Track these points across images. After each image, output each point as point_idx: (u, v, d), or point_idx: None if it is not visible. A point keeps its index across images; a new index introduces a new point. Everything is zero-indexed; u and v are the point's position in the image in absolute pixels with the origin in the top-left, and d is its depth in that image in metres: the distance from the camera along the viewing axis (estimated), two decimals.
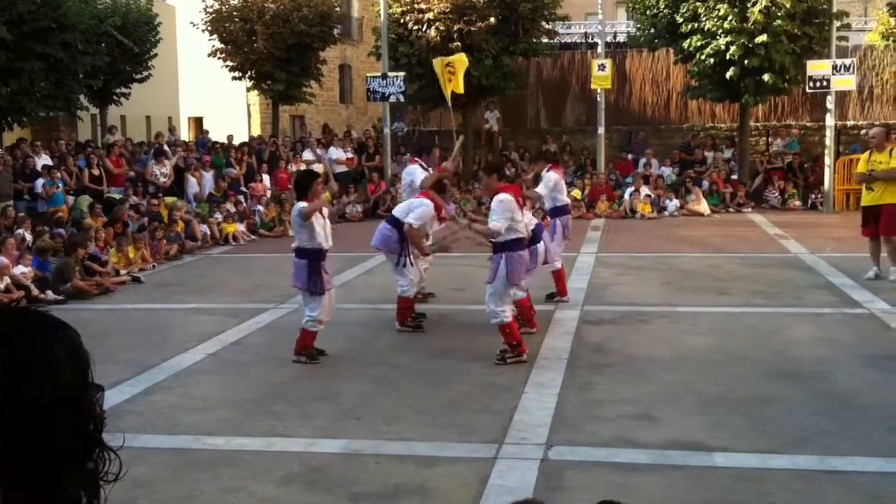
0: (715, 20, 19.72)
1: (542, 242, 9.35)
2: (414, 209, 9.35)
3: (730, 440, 6.02)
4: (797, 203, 20.72)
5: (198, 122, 31.89)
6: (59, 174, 16.28)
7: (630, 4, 22.96)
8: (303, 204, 8.11)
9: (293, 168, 20.93)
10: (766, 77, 19.62)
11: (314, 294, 8.18)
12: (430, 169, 10.97)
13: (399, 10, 21.74)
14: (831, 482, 5.36)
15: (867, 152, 12.00)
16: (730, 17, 19.40)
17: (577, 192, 20.24)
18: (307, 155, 21.67)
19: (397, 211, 9.69)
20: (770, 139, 23.59)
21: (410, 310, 9.57)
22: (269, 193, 19.63)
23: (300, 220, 8.11)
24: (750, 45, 19.39)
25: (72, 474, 1.18)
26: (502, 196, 7.99)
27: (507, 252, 7.92)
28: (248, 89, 26.70)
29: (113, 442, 1.24)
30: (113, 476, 1.22)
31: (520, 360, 7.97)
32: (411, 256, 9.44)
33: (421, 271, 9.87)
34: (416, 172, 10.86)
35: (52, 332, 1.20)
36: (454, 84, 13.24)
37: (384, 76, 20.91)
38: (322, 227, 8.15)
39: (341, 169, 21.81)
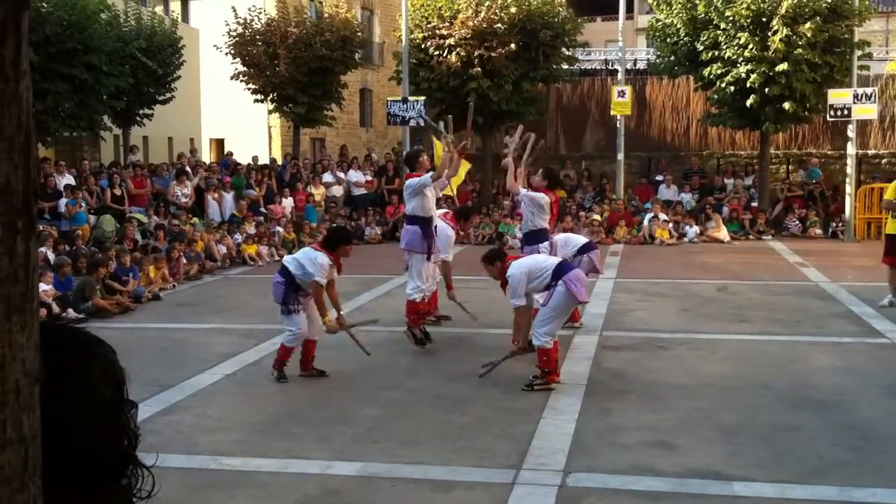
0: (735, 48, 19.72)
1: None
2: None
3: (749, 469, 5.97)
4: (818, 231, 20.61)
5: (219, 143, 32.13)
6: (81, 193, 16.44)
7: (650, 32, 23.02)
8: (324, 263, 8.20)
9: (312, 190, 21.07)
10: (786, 105, 19.58)
11: (290, 312, 8.30)
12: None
13: (420, 35, 21.91)
14: None
15: None
16: (750, 46, 19.39)
17: (596, 217, 20.24)
18: (327, 177, 21.84)
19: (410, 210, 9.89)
20: (790, 167, 23.52)
21: (422, 318, 9.74)
22: (289, 214, 19.71)
23: (306, 273, 8.21)
24: (770, 74, 19.38)
25: (105, 490, 1.19)
26: (508, 273, 8.12)
27: (563, 277, 7.85)
28: (270, 112, 26.89)
29: (146, 460, 1.25)
30: (146, 493, 1.23)
31: (548, 388, 7.90)
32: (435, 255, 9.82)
33: (435, 277, 10.04)
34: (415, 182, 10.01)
35: (90, 349, 1.22)
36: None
37: (404, 100, 21.06)
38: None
39: (360, 192, 21.97)
